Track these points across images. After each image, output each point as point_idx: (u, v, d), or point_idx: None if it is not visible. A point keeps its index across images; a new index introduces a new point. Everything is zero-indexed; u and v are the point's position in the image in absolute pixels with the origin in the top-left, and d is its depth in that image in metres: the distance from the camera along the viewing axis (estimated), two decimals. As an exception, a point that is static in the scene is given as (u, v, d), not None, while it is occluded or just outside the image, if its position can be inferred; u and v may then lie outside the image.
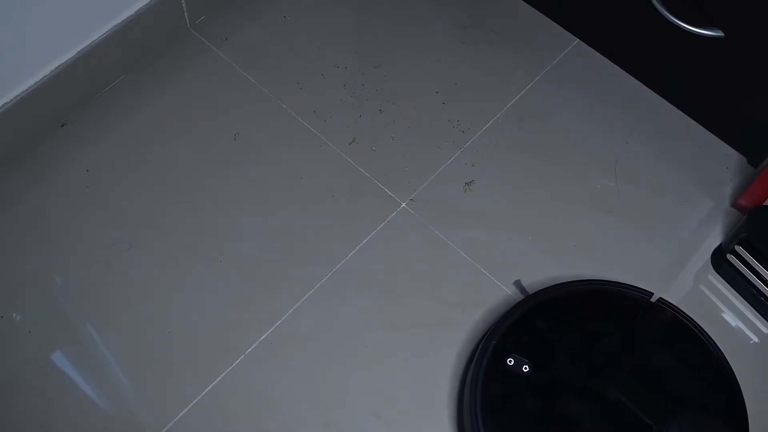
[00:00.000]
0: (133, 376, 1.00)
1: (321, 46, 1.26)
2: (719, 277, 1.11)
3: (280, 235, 1.10)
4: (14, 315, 1.03)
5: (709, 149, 1.21)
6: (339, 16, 1.30)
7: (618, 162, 1.19)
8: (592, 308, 0.99)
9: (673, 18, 1.05)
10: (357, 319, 1.05)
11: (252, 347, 1.03)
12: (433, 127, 1.20)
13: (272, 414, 0.99)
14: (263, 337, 1.03)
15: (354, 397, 1.01)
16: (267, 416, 0.99)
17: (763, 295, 1.08)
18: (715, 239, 1.14)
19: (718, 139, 1.21)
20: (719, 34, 1.05)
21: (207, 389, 1.00)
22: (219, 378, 1.01)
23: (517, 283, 1.07)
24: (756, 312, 1.09)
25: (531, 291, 1.05)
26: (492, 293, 1.08)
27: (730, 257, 1.09)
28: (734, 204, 1.16)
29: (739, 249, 1.07)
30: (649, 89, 1.25)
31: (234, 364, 1.02)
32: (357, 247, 1.10)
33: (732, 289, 1.11)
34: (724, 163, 1.20)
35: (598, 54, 1.27)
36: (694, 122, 1.22)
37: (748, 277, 1.08)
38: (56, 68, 1.10)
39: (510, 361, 0.94)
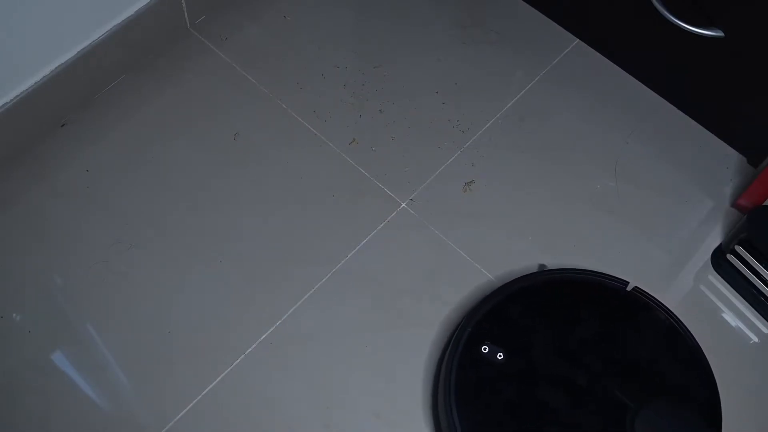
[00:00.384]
0: (133, 376, 1.00)
1: (321, 46, 1.26)
2: (719, 277, 1.11)
3: (280, 235, 1.10)
4: (14, 315, 1.03)
5: (709, 149, 1.21)
6: (339, 16, 1.30)
7: (618, 162, 1.19)
8: (567, 297, 1.00)
9: (673, 18, 1.05)
10: (357, 319, 1.05)
11: (252, 347, 1.03)
12: (433, 127, 1.20)
13: (272, 414, 0.99)
14: (263, 337, 1.03)
15: (354, 397, 1.01)
16: (267, 416, 0.99)
17: (763, 295, 1.08)
18: (715, 239, 1.14)
19: (718, 139, 1.21)
20: (719, 34, 1.05)
21: (207, 389, 1.00)
22: (219, 378, 1.01)
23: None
24: (756, 312, 1.09)
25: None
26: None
27: (730, 257, 1.09)
28: (734, 204, 1.16)
29: (739, 249, 1.07)
30: (649, 89, 1.25)
31: (234, 364, 1.02)
32: (357, 247, 1.10)
33: (732, 289, 1.11)
34: (724, 163, 1.20)
35: (598, 54, 1.27)
36: (694, 122, 1.22)
37: (748, 277, 1.08)
38: (56, 68, 1.10)
39: (484, 349, 0.94)
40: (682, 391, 0.94)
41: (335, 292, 1.07)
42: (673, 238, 1.14)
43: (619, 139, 1.21)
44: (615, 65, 1.26)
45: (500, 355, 0.94)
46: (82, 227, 1.09)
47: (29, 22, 1.02)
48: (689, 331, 0.97)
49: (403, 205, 1.14)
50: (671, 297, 1.08)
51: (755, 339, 1.08)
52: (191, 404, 0.99)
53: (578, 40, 1.29)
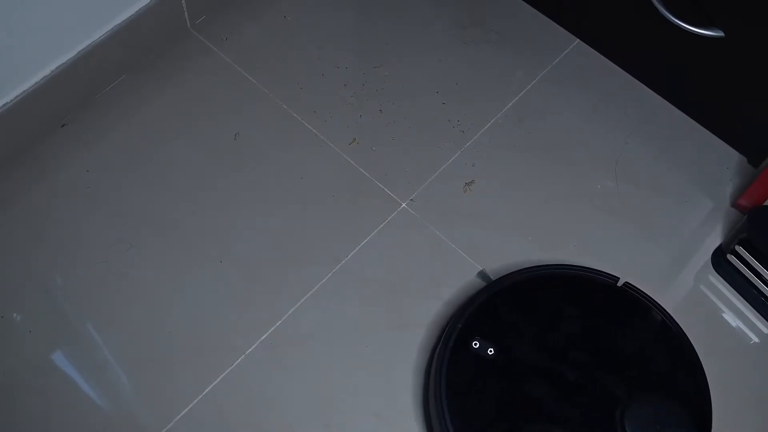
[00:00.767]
0: (133, 376, 1.00)
1: (321, 46, 1.26)
2: (719, 277, 1.11)
3: (280, 235, 1.10)
4: (14, 315, 1.03)
5: (709, 149, 1.21)
6: (339, 16, 1.30)
7: (618, 162, 1.19)
8: (558, 293, 1.00)
9: (673, 18, 1.05)
10: (357, 319, 1.05)
11: (252, 347, 1.03)
12: (433, 127, 1.20)
13: (272, 414, 0.99)
14: (263, 337, 1.03)
15: (354, 397, 1.00)
16: (267, 416, 0.99)
17: (763, 295, 1.08)
18: (715, 239, 1.14)
19: (719, 139, 1.21)
20: (719, 34, 1.05)
21: (207, 389, 1.00)
22: (219, 378, 1.00)
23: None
24: (756, 312, 1.09)
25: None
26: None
27: (731, 257, 1.09)
28: (734, 204, 1.16)
29: (740, 249, 1.07)
30: (649, 89, 1.25)
31: (234, 364, 1.02)
32: (357, 247, 1.10)
33: (732, 289, 1.11)
34: (724, 163, 1.20)
35: (598, 54, 1.27)
36: (694, 122, 1.22)
37: (748, 277, 1.08)
38: (56, 68, 1.10)
39: (475, 344, 0.94)
40: (671, 386, 0.94)
41: (335, 292, 1.07)
42: (673, 238, 1.14)
43: (619, 139, 1.21)
44: (615, 65, 1.26)
45: (491, 351, 0.94)
46: (82, 227, 1.09)
47: (29, 22, 1.02)
48: (679, 325, 0.97)
49: (404, 205, 1.14)
50: (671, 297, 1.08)
51: (755, 339, 1.08)
52: (191, 404, 0.99)
53: (578, 40, 1.29)
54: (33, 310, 1.03)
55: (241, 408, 0.99)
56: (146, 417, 0.98)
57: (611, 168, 1.18)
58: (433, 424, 0.94)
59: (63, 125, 1.16)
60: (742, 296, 1.10)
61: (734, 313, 1.10)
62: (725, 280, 1.11)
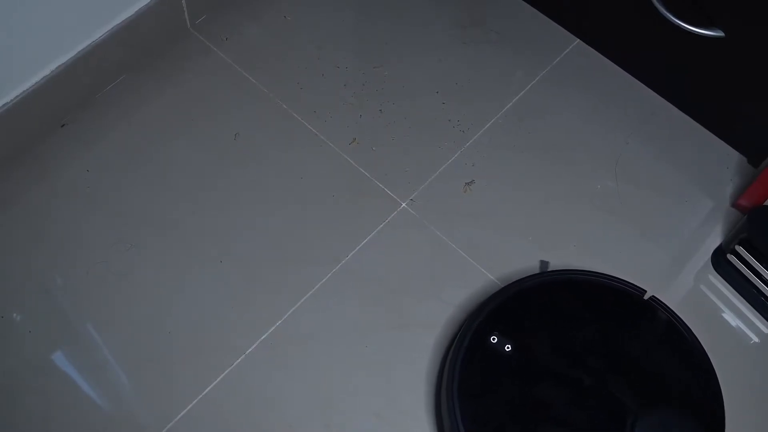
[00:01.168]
0: (133, 376, 1.00)
1: (321, 46, 1.26)
2: (719, 277, 1.11)
3: (280, 235, 1.10)
4: (14, 315, 1.03)
5: (709, 149, 1.21)
6: (339, 16, 1.30)
7: (618, 162, 1.19)
8: (580, 298, 1.00)
9: (673, 18, 1.05)
10: (357, 319, 1.05)
11: (252, 347, 1.03)
12: (433, 127, 1.20)
13: (272, 414, 0.99)
14: (263, 337, 1.03)
15: (354, 397, 1.00)
16: (267, 416, 0.99)
17: (763, 295, 1.08)
18: (715, 239, 1.14)
19: (719, 139, 1.21)
20: (719, 34, 1.05)
21: (207, 389, 1.00)
22: (219, 378, 1.01)
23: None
24: (756, 312, 1.09)
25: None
26: (492, 293, 1.08)
27: (731, 257, 1.09)
28: (734, 204, 1.16)
29: (740, 249, 1.07)
30: (649, 89, 1.25)
31: (234, 364, 1.02)
32: (357, 247, 1.10)
33: (732, 289, 1.11)
34: (724, 163, 1.20)
35: (598, 54, 1.27)
36: (694, 122, 1.22)
37: (748, 277, 1.08)
38: (56, 68, 1.10)
39: (493, 339, 0.95)
40: (687, 400, 0.94)
41: (335, 292, 1.07)
42: (673, 238, 1.14)
43: (619, 139, 1.21)
44: (615, 65, 1.26)
45: (508, 347, 0.95)
46: (83, 227, 1.09)
47: (29, 22, 1.02)
48: (699, 342, 0.97)
49: (404, 205, 1.14)
50: (671, 297, 1.08)
51: (755, 339, 1.08)
52: (191, 404, 0.99)
53: (578, 40, 1.29)
54: (33, 310, 1.03)
55: (241, 408, 0.99)
56: (146, 417, 0.98)
57: (611, 168, 1.18)
58: (444, 422, 0.94)
59: (63, 125, 1.16)
60: (742, 296, 1.10)
61: (734, 313, 1.10)
62: (725, 280, 1.11)
